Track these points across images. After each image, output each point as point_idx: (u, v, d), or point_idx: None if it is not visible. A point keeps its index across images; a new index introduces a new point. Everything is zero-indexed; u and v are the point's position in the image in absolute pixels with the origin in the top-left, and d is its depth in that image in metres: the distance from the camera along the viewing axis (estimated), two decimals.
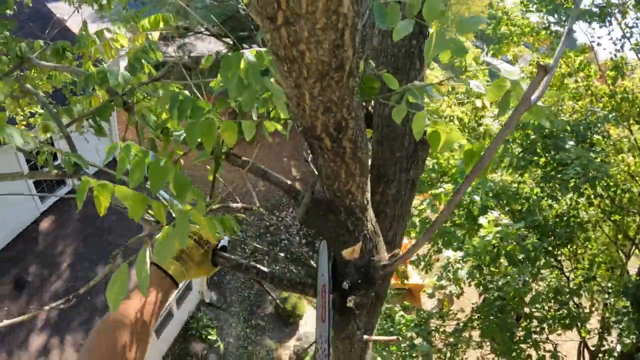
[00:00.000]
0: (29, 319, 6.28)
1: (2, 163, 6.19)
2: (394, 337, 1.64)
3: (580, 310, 6.67)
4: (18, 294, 6.38)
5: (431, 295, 6.34)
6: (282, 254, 12.30)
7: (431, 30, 1.05)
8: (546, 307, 6.26)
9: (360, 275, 1.39)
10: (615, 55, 7.31)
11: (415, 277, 10.93)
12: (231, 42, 13.19)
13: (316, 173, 1.15)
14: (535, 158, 6.69)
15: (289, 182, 1.55)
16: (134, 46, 2.47)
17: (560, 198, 6.64)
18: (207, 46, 14.12)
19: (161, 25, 2.12)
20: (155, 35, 2.50)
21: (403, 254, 1.30)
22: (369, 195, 1.23)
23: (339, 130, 0.86)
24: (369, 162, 1.09)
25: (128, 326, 0.93)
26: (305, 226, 1.34)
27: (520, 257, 5.45)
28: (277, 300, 4.70)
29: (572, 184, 5.88)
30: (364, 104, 1.94)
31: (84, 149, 2.01)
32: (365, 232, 1.30)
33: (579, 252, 7.58)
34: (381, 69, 2.06)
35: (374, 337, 1.77)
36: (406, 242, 10.61)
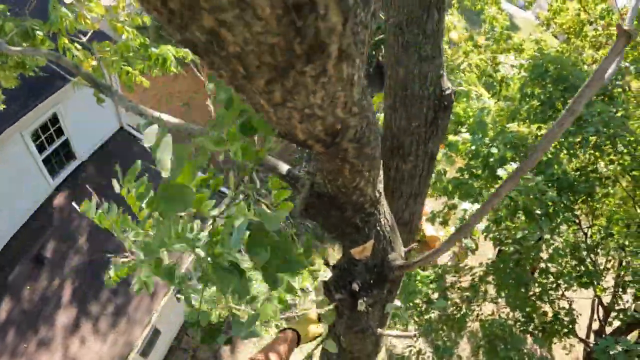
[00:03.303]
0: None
1: (11, 148, 6.05)
2: (411, 333, 1.45)
3: (597, 267, 6.45)
4: (39, 270, 6.40)
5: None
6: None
7: None
8: (562, 263, 6.06)
9: (373, 275, 1.16)
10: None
11: (429, 229, 10.70)
12: None
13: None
14: (554, 113, 6.27)
15: (287, 167, 1.29)
16: (114, 14, 2.17)
17: (579, 154, 6.27)
18: None
19: None
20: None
21: (423, 257, 1.04)
22: (381, 186, 0.96)
23: (333, 135, 0.56)
24: (380, 155, 0.81)
25: None
26: (307, 218, 1.10)
27: (538, 211, 5.19)
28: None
29: (592, 142, 5.51)
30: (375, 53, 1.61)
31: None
32: (378, 228, 1.05)
33: (596, 207, 7.26)
34: (392, 22, 1.73)
35: (387, 332, 1.56)
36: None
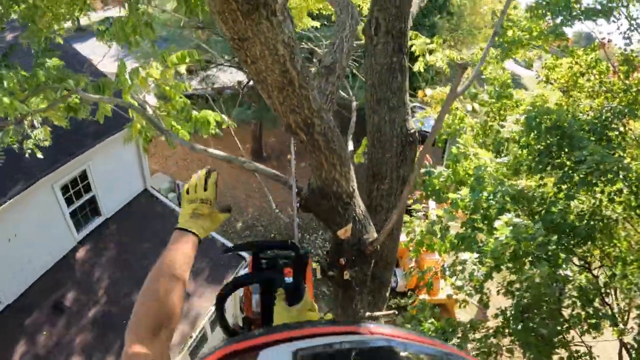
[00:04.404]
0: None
1: (41, 198, 6.84)
2: (391, 312, 1.96)
3: (614, 310, 6.66)
4: (57, 318, 6.92)
5: (450, 296, 6.51)
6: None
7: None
8: (570, 305, 6.32)
9: (354, 252, 1.75)
10: (625, 49, 7.48)
11: (447, 290, 10.88)
12: None
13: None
14: (555, 160, 6.83)
15: (295, 181, 1.94)
16: (164, 79, 2.97)
17: (579, 196, 6.74)
18: (228, 77, 14.93)
19: (187, 60, 2.59)
20: (183, 68, 2.99)
21: (387, 224, 1.65)
22: (354, 184, 1.60)
23: (307, 126, 1.27)
24: (347, 155, 1.47)
25: (169, 275, 1.26)
26: (305, 212, 1.73)
27: (542, 256, 5.58)
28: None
29: (587, 179, 5.99)
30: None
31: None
32: (354, 215, 1.66)
33: (607, 250, 7.57)
34: (368, 83, 2.46)
35: (376, 313, 2.10)
36: (438, 259, 10.64)
